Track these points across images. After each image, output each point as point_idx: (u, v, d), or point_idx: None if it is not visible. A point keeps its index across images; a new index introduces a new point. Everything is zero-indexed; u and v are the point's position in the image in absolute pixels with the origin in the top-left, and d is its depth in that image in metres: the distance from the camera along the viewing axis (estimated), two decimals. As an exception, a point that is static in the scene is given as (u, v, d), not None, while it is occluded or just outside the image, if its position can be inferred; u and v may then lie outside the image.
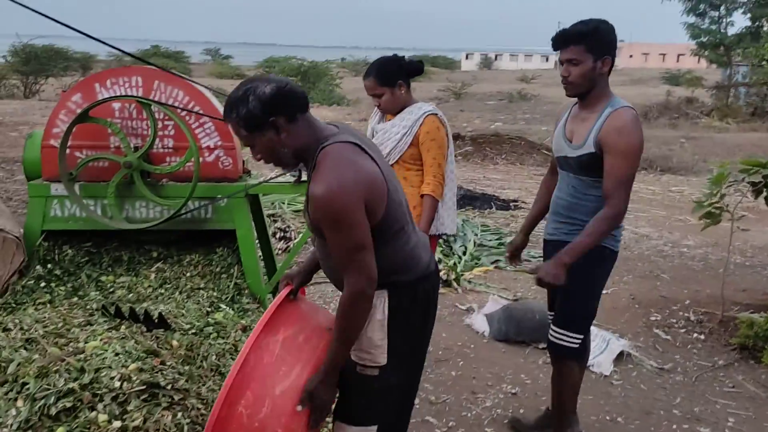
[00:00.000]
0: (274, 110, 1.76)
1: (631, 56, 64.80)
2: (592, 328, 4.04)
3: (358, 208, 1.72)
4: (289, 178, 3.58)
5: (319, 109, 19.68)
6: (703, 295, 4.78)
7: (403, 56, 3.32)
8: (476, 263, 5.55)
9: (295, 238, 5.82)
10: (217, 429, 1.77)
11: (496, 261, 5.64)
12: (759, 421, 3.17)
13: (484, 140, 13.65)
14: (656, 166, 12.38)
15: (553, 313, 2.79)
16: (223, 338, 2.89)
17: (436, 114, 3.23)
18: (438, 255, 5.26)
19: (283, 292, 2.00)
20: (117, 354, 2.40)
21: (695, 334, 4.12)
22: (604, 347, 3.83)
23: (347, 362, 1.89)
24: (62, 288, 3.26)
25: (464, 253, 5.69)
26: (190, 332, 2.86)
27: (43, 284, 3.25)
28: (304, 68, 25.11)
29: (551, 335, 2.69)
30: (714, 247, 6.58)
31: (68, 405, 2.07)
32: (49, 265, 3.36)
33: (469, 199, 8.13)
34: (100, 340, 2.56)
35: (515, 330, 3.99)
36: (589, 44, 2.41)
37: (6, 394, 2.13)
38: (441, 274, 4.96)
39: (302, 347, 1.88)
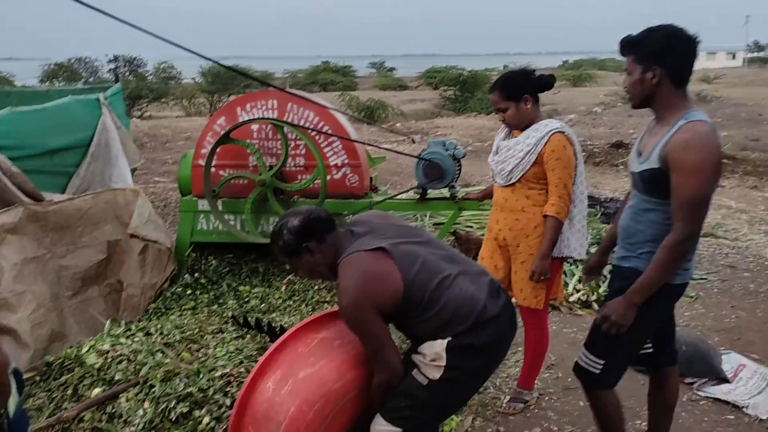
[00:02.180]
0: (304, 238, 2.10)
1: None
2: (748, 362, 3.61)
3: (370, 317, 2.01)
4: (412, 195, 3.62)
5: (476, 119, 19.60)
6: None
7: (533, 70, 3.21)
8: (624, 284, 5.16)
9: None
10: (245, 396, 2.03)
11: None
12: None
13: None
14: None
15: None
16: (339, 351, 2.98)
17: (563, 132, 3.06)
18: (579, 273, 4.98)
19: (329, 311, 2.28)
20: (232, 359, 2.57)
21: None
22: (763, 386, 3.38)
23: (406, 363, 2.15)
24: (205, 296, 3.57)
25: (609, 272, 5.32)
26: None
27: (189, 291, 3.59)
28: (462, 78, 25.12)
29: (579, 357, 2.51)
30: None
31: (185, 410, 2.27)
32: (195, 274, 3.70)
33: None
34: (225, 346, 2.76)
35: (657, 361, 3.64)
36: (636, 54, 2.25)
37: (136, 395, 2.38)
38: (580, 295, 4.70)
39: (334, 349, 2.11)
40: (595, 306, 4.63)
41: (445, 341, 2.05)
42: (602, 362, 2.41)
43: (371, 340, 2.04)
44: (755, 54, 61.69)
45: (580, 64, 48.15)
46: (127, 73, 30.73)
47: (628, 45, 2.27)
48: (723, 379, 3.47)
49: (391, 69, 52.57)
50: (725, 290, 5.04)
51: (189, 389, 2.35)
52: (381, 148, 3.98)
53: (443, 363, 2.06)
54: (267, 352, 2.07)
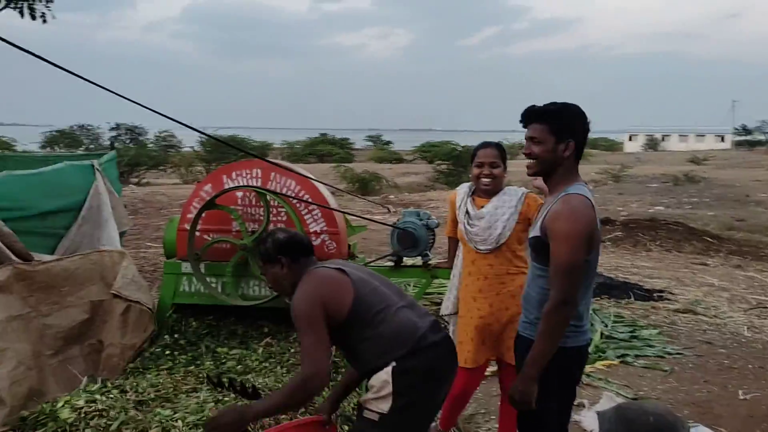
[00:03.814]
0: (282, 251, 2.39)
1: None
2: (716, 436, 3.66)
3: (316, 314, 2.20)
4: (387, 262, 3.76)
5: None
6: None
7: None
8: (600, 356, 5.24)
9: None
10: None
11: (624, 355, 5.29)
12: None
13: (636, 225, 12.92)
14: None
15: None
16: (310, 414, 3.04)
17: (532, 192, 3.29)
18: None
19: (311, 418, 2.45)
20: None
21: None
22: (728, 460, 3.42)
23: (358, 407, 2.28)
24: (183, 356, 3.65)
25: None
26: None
27: (168, 352, 3.66)
28: (456, 152, 25.76)
29: None
30: None
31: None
32: (175, 335, 3.79)
33: (606, 288, 7.72)
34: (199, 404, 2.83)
35: (626, 432, 3.69)
36: (552, 125, 2.31)
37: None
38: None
39: None
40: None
41: (390, 367, 2.18)
42: None
43: (309, 336, 2.16)
44: (743, 137, 63.44)
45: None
46: (128, 141, 31.40)
47: (543, 115, 2.34)
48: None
49: (388, 142, 53.74)
50: (700, 365, 5.11)
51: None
52: (358, 216, 4.16)
53: (390, 389, 2.16)
54: None
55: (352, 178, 21.46)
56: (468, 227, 3.24)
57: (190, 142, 30.22)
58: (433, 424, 3.60)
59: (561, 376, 2.33)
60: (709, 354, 5.41)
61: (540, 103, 2.42)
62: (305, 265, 2.40)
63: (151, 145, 30.08)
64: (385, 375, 2.20)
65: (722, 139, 65.79)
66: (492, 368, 3.90)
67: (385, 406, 2.19)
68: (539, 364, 2.22)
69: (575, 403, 4.29)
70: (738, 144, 59.20)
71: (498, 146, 3.30)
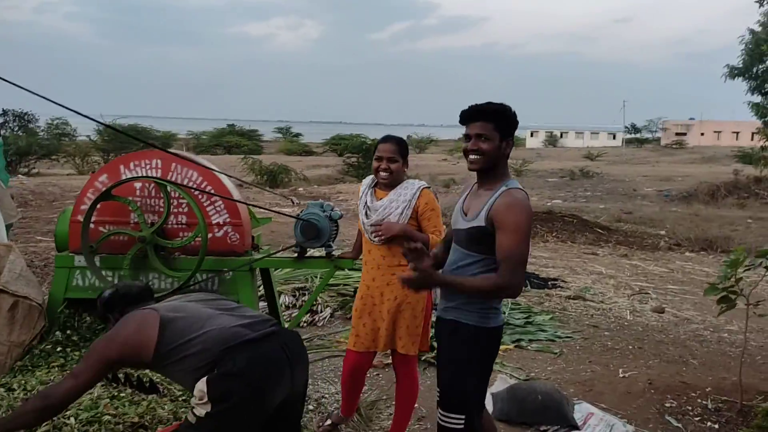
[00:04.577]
0: (108, 309, 2.58)
1: (702, 134, 63.42)
2: (596, 410, 3.97)
3: (100, 360, 2.30)
4: (291, 253, 3.79)
5: (377, 186, 20.08)
6: (729, 382, 4.55)
7: (408, 136, 3.53)
8: (496, 341, 5.50)
9: (321, 312, 5.98)
10: None
11: (519, 340, 5.59)
12: None
13: (535, 217, 13.56)
14: (716, 247, 11.91)
15: None
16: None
17: (429, 187, 3.41)
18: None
19: None
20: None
21: (709, 423, 3.93)
22: (607, 432, 3.71)
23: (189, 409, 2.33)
24: (77, 353, 3.52)
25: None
26: (180, 398, 3.02)
27: (59, 349, 3.52)
28: (366, 145, 25.92)
29: (441, 419, 2.61)
30: (758, 333, 6.29)
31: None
32: (68, 331, 3.65)
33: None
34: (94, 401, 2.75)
35: (517, 410, 3.93)
36: (498, 123, 2.47)
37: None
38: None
39: None
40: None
41: (206, 377, 2.24)
42: (462, 417, 2.54)
43: (82, 373, 2.26)
44: (632, 135, 67.75)
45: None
46: (17, 129, 29.33)
47: (491, 113, 2.48)
48: (573, 426, 3.79)
49: (297, 135, 53.26)
50: (586, 347, 5.49)
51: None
52: (261, 208, 4.15)
53: (206, 398, 2.21)
54: None
55: (261, 170, 21.16)
56: (365, 218, 3.34)
57: (85, 130, 28.61)
58: (334, 411, 3.68)
59: (483, 354, 2.54)
60: (594, 337, 5.81)
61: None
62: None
63: (42, 133, 28.25)
64: (201, 385, 2.25)
65: (614, 137, 69.97)
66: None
67: (202, 411, 2.24)
68: (443, 284, 2.48)
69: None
70: (628, 141, 63.21)
71: (398, 141, 3.39)
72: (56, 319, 3.64)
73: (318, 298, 6.35)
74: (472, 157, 2.51)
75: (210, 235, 3.65)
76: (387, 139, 3.40)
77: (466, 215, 2.57)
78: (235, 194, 3.85)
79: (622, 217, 15.59)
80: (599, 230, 13.11)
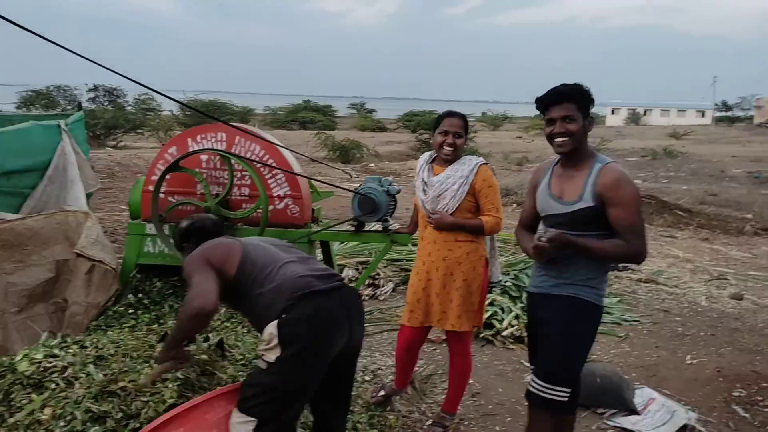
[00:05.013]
0: (184, 239, 2.67)
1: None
2: (658, 396, 3.84)
3: (201, 263, 2.39)
4: (349, 227, 3.84)
5: (448, 162, 19.91)
6: (807, 375, 4.29)
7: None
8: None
9: (383, 286, 6.04)
10: None
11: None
12: None
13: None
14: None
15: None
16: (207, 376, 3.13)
17: (488, 164, 3.36)
18: (517, 310, 5.21)
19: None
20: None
21: (781, 416, 3.74)
22: (667, 418, 3.60)
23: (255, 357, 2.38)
24: (146, 315, 3.72)
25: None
26: (239, 362, 3.14)
27: (131, 311, 3.73)
28: (438, 122, 25.72)
29: (533, 387, 2.64)
30: None
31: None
32: (139, 295, 3.85)
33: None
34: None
35: (574, 392, 3.86)
36: (580, 103, 2.51)
37: (63, 405, 2.51)
38: (513, 330, 4.92)
39: None
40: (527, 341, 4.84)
41: (276, 321, 2.30)
42: (569, 390, 2.58)
43: (195, 278, 2.32)
44: (723, 113, 63.95)
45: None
46: (107, 103, 30.87)
47: (575, 93, 2.51)
48: (632, 411, 3.69)
49: (371, 111, 53.44)
50: (654, 332, 5.30)
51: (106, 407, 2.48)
52: (320, 181, 4.22)
53: (276, 341, 2.27)
54: (179, 408, 2.21)
55: (333, 145, 21.38)
56: (422, 195, 3.33)
57: (169, 105, 29.82)
58: (388, 383, 3.74)
59: (594, 330, 2.64)
60: (664, 322, 5.60)
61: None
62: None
63: (129, 108, 29.64)
64: (271, 328, 2.30)
65: (703, 115, 66.27)
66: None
67: (272, 356, 2.30)
68: (579, 247, 2.46)
69: (528, 364, 4.48)
70: (718, 120, 59.73)
71: (463, 117, 3.35)
72: (129, 283, 3.86)
73: (380, 272, 6.42)
74: (559, 140, 2.53)
75: (271, 207, 3.75)
76: (453, 113, 3.36)
77: (561, 198, 2.57)
78: (297, 168, 3.93)
79: (706, 199, 14.80)
80: (680, 212, 12.52)
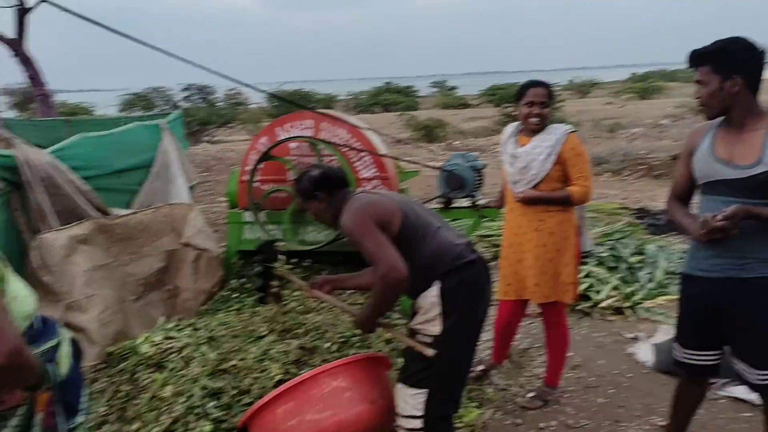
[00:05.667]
0: (318, 187, 2.49)
1: None
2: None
3: (368, 225, 2.26)
4: (437, 204, 3.87)
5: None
6: None
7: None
8: (661, 292, 5.20)
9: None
10: (258, 410, 2.27)
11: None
12: None
13: None
14: None
15: (687, 352, 2.62)
16: (366, 348, 3.26)
17: (576, 132, 3.29)
18: (615, 281, 5.07)
19: (368, 355, 2.59)
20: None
21: None
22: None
23: (409, 333, 2.39)
24: (250, 299, 3.92)
25: (650, 281, 5.37)
26: (338, 340, 3.28)
27: (235, 295, 3.95)
28: (522, 94, 25.08)
29: (760, 379, 2.46)
30: None
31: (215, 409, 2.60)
32: (242, 279, 4.07)
33: (674, 224, 7.52)
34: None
35: (680, 363, 3.72)
36: (715, 64, 2.31)
37: (182, 383, 2.72)
38: (614, 301, 4.80)
39: (342, 401, 2.31)
40: (627, 313, 4.71)
41: (437, 287, 2.29)
42: None
43: (368, 241, 2.22)
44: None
45: (649, 77, 46.82)
46: (200, 101, 32.32)
47: (705, 55, 2.34)
48: (745, 381, 3.51)
49: (453, 88, 52.82)
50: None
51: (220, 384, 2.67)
52: (405, 161, 4.26)
53: (439, 310, 2.28)
54: (287, 384, 2.32)
55: (417, 125, 21.39)
56: (509, 167, 3.29)
57: (257, 98, 30.83)
58: (486, 357, 3.76)
59: None
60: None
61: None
62: (344, 195, 2.47)
63: (220, 104, 30.90)
64: (433, 296, 2.30)
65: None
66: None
67: (436, 329, 2.30)
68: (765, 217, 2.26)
69: (629, 335, 4.36)
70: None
71: (547, 85, 3.28)
72: (232, 269, 4.09)
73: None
74: (699, 107, 2.43)
75: (360, 189, 3.84)
76: (537, 83, 3.28)
77: (731, 162, 2.35)
78: (382, 149, 4.00)
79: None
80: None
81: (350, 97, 46.38)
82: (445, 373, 2.35)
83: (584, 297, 4.89)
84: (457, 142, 19.42)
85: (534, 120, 3.21)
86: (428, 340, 2.32)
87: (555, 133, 3.22)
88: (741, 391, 3.43)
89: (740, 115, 2.33)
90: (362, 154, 3.88)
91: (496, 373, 3.68)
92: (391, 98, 40.98)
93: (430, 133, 20.96)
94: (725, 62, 2.30)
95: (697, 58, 2.35)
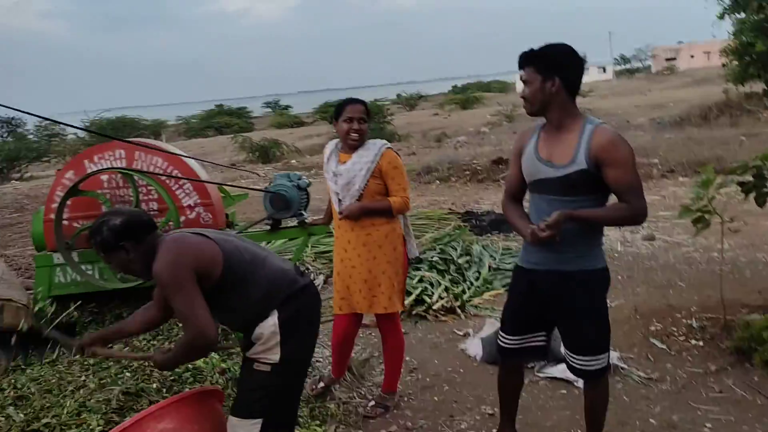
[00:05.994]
0: (123, 237, 2.21)
1: (692, 56, 62.68)
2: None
3: (184, 276, 2.11)
4: (264, 226, 3.84)
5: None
6: (714, 300, 4.61)
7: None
8: (487, 288, 5.58)
9: (315, 279, 6.05)
10: None
11: (509, 284, 5.64)
12: (738, 424, 3.08)
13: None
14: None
15: (514, 338, 2.82)
16: (199, 382, 3.13)
17: (392, 147, 3.42)
18: (446, 283, 5.35)
19: (196, 391, 2.46)
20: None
21: (693, 341, 4.01)
22: (592, 363, 3.79)
23: (245, 363, 2.32)
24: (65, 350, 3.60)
25: (477, 279, 5.73)
26: (169, 379, 3.11)
27: (49, 345, 3.60)
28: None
29: (580, 364, 2.65)
30: (748, 248, 6.34)
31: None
32: (58, 329, 3.72)
33: (496, 224, 8.13)
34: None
35: (505, 352, 4.01)
36: (537, 65, 2.49)
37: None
38: (445, 302, 5.06)
39: None
40: (459, 311, 4.99)
41: (275, 316, 2.26)
42: (605, 354, 2.64)
43: (181, 298, 2.09)
44: (622, 66, 66.89)
45: (468, 88, 50.25)
46: (5, 135, 29.25)
47: (530, 57, 2.51)
48: (559, 360, 3.87)
49: (287, 107, 52.91)
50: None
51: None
52: (228, 185, 4.19)
53: (278, 339, 2.25)
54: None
55: (251, 147, 21.08)
56: (333, 185, 3.36)
57: (73, 129, 28.52)
58: (326, 372, 3.78)
59: (606, 292, 2.66)
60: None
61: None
62: (153, 240, 2.24)
63: (31, 136, 28.17)
64: (271, 325, 2.26)
65: (604, 70, 69.06)
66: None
67: (275, 357, 2.27)
68: (583, 219, 2.44)
69: (460, 333, 4.62)
70: (618, 73, 62.47)
71: (364, 102, 3.39)
72: (44, 318, 3.73)
73: (310, 266, 6.44)
74: (523, 105, 2.59)
75: (183, 218, 3.70)
76: (354, 100, 3.39)
77: (550, 162, 2.52)
78: (203, 176, 3.89)
79: (615, 150, 15.52)
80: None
81: (180, 121, 44.60)
82: (281, 400, 2.34)
83: (419, 301, 5.11)
84: (293, 161, 19.41)
85: (354, 136, 3.31)
86: (266, 368, 2.29)
87: (373, 148, 3.34)
88: (558, 371, 3.77)
89: (558, 116, 2.53)
90: (182, 182, 3.74)
91: (338, 388, 3.71)
92: (224, 121, 40.07)
93: (265, 153, 20.76)
94: (546, 64, 2.50)
95: (524, 59, 2.54)
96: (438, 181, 12.89)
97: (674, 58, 63.26)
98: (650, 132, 18.64)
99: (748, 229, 6.98)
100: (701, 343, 3.98)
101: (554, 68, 2.49)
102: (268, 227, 3.83)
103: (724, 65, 20.68)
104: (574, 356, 2.66)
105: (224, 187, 4.23)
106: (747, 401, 3.30)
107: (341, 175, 3.33)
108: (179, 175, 3.74)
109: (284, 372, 2.30)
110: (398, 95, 50.80)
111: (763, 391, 3.38)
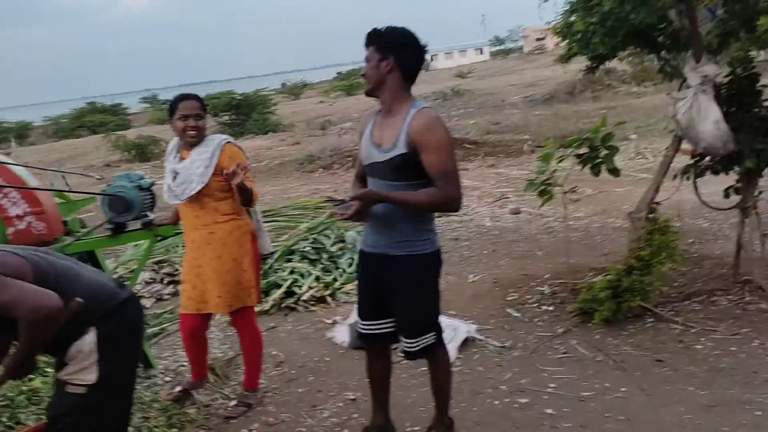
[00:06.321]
0: None
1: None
2: (444, 318, 4.17)
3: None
4: (106, 231, 3.64)
5: (253, 140, 19.68)
6: (566, 266, 4.90)
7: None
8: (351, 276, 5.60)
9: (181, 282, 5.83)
10: None
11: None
12: (579, 381, 3.30)
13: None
14: (573, 141, 12.57)
15: (369, 323, 2.83)
16: (35, 405, 2.92)
17: (232, 141, 3.34)
18: (317, 272, 5.33)
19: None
20: None
21: (545, 307, 4.25)
22: (452, 336, 3.92)
23: (57, 385, 2.15)
24: None
25: (350, 265, 5.75)
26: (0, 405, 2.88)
27: None
28: (235, 102, 25.07)
29: (411, 346, 2.70)
30: (601, 214, 6.79)
31: None
32: None
33: (372, 208, 8.20)
34: None
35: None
36: (377, 44, 2.54)
37: None
38: (315, 292, 5.04)
39: None
40: (329, 300, 4.99)
41: (93, 333, 2.09)
42: (434, 333, 2.72)
43: (7, 291, 1.93)
44: (497, 47, 69.66)
45: (352, 74, 50.36)
46: None
47: (372, 36, 2.55)
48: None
49: (166, 102, 50.65)
50: (445, 260, 5.72)
51: None
52: (59, 191, 3.93)
53: (96, 357, 2.08)
54: None
55: (127, 145, 20.01)
56: (171, 182, 3.24)
57: None
58: (186, 378, 3.66)
59: (437, 273, 2.72)
60: (454, 249, 6.05)
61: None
62: None
63: None
64: (88, 344, 2.09)
65: (481, 52, 71.58)
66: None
67: (91, 377, 2.10)
68: (391, 201, 2.47)
69: (329, 321, 4.62)
70: (494, 54, 65.00)
71: (199, 98, 3.30)
72: None
73: (179, 267, 6.20)
74: (363, 82, 2.60)
75: (12, 229, 3.42)
76: (187, 96, 3.30)
77: (380, 146, 2.54)
78: (32, 182, 3.61)
79: (490, 128, 16.14)
80: (468, 146, 13.48)
81: (48, 122, 41.65)
82: (99, 424, 2.19)
83: (290, 294, 5.06)
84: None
85: (191, 133, 3.21)
86: (82, 390, 2.11)
87: (211, 144, 3.25)
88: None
89: (390, 99, 2.55)
90: (7, 190, 3.45)
91: (200, 392, 3.59)
92: (97, 119, 37.76)
93: (142, 151, 19.77)
94: (384, 44, 2.54)
95: (368, 38, 2.58)
96: (321, 170, 12.84)
97: (543, 38, 66.57)
98: (523, 110, 19.59)
99: (602, 197, 7.49)
100: (552, 308, 4.22)
101: (391, 48, 2.53)
102: (110, 232, 3.63)
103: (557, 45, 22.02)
104: (403, 339, 2.74)
105: (66, 193, 3.96)
106: (588, 359, 3.54)
107: (180, 173, 3.24)
108: (3, 182, 3.45)
109: (102, 393, 2.13)
110: (283, 84, 50.06)
111: (602, 348, 3.64)
